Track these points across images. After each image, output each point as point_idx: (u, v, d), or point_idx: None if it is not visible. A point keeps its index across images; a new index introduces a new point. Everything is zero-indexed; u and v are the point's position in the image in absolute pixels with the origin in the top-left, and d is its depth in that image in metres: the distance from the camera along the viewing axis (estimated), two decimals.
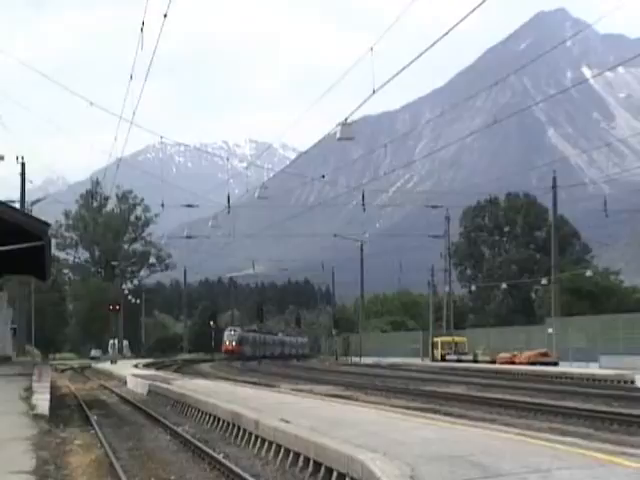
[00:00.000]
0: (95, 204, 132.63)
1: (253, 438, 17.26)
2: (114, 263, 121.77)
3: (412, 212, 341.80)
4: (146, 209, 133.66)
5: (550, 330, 68.16)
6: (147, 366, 65.77)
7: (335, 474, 12.36)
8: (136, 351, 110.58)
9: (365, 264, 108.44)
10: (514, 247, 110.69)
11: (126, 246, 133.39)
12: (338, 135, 28.63)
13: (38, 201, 67.39)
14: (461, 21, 21.14)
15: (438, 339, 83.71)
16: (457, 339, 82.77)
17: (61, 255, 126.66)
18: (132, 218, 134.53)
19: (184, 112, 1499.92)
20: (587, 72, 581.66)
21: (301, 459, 14.11)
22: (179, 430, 20.60)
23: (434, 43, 22.32)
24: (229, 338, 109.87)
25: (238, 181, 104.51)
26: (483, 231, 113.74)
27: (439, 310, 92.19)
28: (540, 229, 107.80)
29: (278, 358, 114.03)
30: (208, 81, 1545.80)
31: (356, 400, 27.84)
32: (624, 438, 18.34)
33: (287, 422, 16.26)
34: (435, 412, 22.94)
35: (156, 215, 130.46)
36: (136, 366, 62.59)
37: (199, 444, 17.63)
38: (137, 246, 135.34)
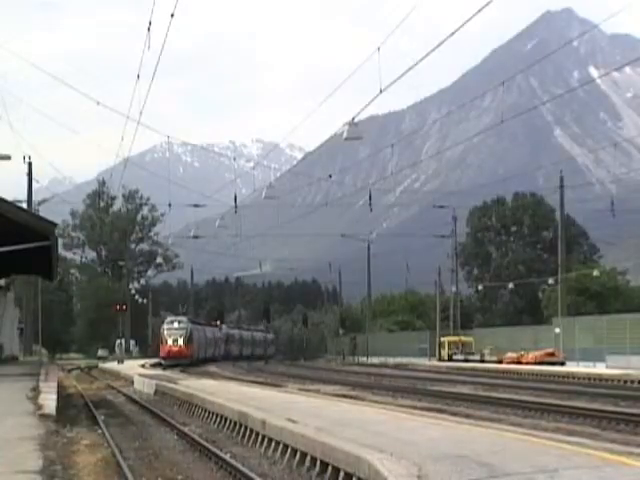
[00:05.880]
0: (102, 204, 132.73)
1: (260, 438, 17.27)
2: (121, 263, 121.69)
3: (419, 212, 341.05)
4: (153, 209, 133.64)
5: (557, 330, 68.02)
6: (154, 366, 65.81)
7: (342, 474, 12.35)
8: (143, 351, 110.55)
9: (372, 264, 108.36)
10: (521, 247, 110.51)
11: (133, 246, 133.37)
12: (345, 135, 28.57)
13: (45, 201, 67.67)
14: (468, 21, 21.18)
15: (445, 339, 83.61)
16: (464, 339, 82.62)
17: (68, 255, 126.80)
18: (139, 218, 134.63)
19: (191, 112, 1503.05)
20: (594, 72, 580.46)
21: (308, 459, 14.11)
22: (186, 430, 20.62)
23: (441, 43, 22.39)
24: (172, 334, 72.61)
25: (245, 181, 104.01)
26: (490, 231, 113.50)
27: (446, 310, 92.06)
28: (547, 229, 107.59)
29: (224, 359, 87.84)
30: (215, 81, 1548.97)
31: (363, 400, 27.82)
32: (631, 438, 18.31)
33: (294, 422, 16.25)
34: (442, 412, 22.92)
35: (163, 215, 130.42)
36: (143, 366, 62.64)
37: (206, 444, 17.65)
38: (144, 246, 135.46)
